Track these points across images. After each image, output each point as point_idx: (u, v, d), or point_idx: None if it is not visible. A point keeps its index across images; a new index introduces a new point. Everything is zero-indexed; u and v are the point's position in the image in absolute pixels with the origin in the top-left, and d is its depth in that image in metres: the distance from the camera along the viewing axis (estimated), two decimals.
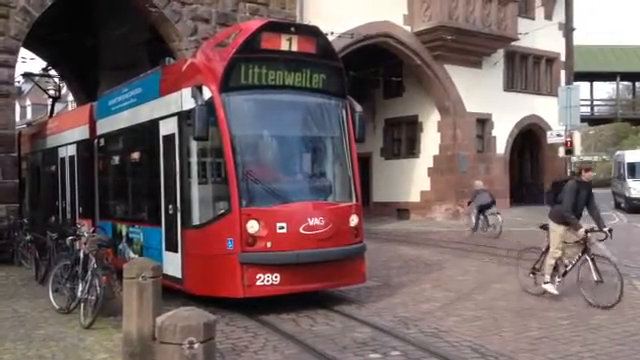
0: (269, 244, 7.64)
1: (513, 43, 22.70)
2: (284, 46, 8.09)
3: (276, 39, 8.06)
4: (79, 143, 12.65)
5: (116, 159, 11.34)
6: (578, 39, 28.29)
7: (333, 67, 8.60)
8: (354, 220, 8.35)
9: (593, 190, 8.81)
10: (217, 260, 7.91)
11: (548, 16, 24.80)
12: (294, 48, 8.15)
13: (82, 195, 12.59)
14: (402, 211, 23.34)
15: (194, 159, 8.53)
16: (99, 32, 21.74)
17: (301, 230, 7.71)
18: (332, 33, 14.67)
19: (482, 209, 16.84)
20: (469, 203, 17.75)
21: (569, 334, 6.72)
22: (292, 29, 8.33)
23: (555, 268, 8.51)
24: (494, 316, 7.62)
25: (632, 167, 25.62)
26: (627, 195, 25.04)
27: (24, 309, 8.10)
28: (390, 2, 20.16)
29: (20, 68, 29.37)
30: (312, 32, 8.52)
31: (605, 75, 38.53)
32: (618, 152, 31.43)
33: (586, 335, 6.67)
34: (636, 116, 41.65)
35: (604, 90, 48.90)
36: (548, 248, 8.65)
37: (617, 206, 26.95)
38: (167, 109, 9.01)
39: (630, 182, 24.98)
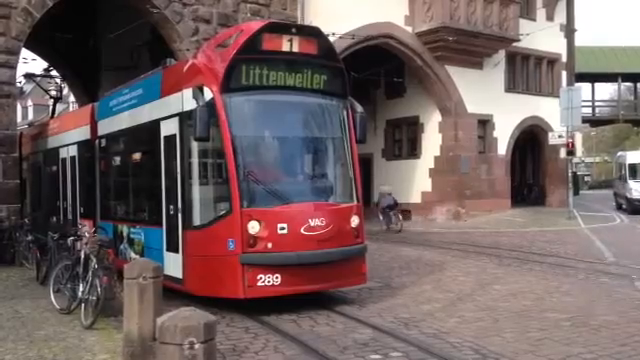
0: (270, 245, 7.64)
1: (514, 44, 22.71)
2: (285, 47, 8.09)
3: (277, 40, 8.06)
4: (80, 144, 12.67)
5: (117, 160, 11.34)
6: (579, 40, 28.35)
7: (334, 68, 8.59)
8: (355, 221, 8.35)
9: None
10: (218, 261, 7.91)
11: (550, 17, 24.81)
12: (295, 49, 8.15)
13: (83, 195, 12.60)
14: (403, 212, 23.32)
15: (195, 160, 8.53)
16: (100, 33, 21.77)
17: (302, 231, 7.70)
18: (333, 34, 14.71)
19: (386, 209, 19.76)
20: (377, 205, 20.32)
21: (570, 335, 6.71)
22: (293, 30, 8.32)
23: None
24: (495, 317, 7.61)
25: (633, 168, 25.63)
26: (628, 196, 25.03)
27: (25, 309, 8.10)
28: (391, 3, 20.18)
29: (22, 69, 29.28)
30: (313, 33, 8.52)
31: (607, 76, 38.52)
32: (619, 153, 31.43)
33: (587, 336, 6.66)
34: (638, 117, 41.60)
35: (606, 91, 49.05)
36: None
37: (619, 207, 26.94)
38: (168, 110, 9.01)
39: (631, 183, 24.98)
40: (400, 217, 19.65)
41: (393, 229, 19.20)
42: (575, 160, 28.15)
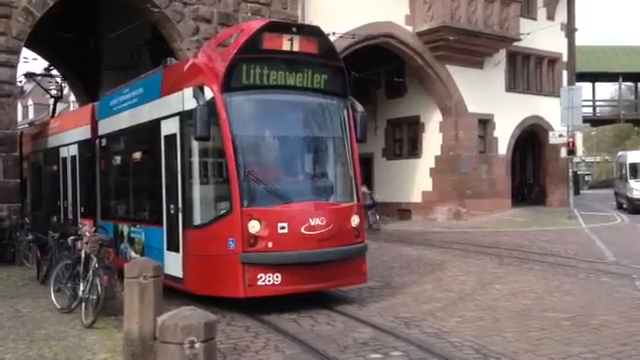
0: (270, 244, 7.64)
1: (515, 43, 22.70)
2: (285, 46, 8.09)
3: (277, 39, 8.06)
4: (81, 143, 12.67)
5: (118, 159, 11.35)
6: (580, 39, 28.30)
7: (335, 67, 8.59)
8: (355, 220, 8.35)
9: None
10: (218, 260, 7.91)
11: (550, 16, 24.79)
12: (296, 48, 8.14)
13: (84, 195, 12.61)
14: (404, 211, 23.34)
15: (195, 159, 8.53)
16: (101, 32, 21.78)
17: (302, 230, 7.70)
18: (334, 33, 14.68)
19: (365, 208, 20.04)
20: None
21: (571, 334, 6.70)
22: (294, 29, 8.32)
23: None
24: (496, 316, 7.60)
25: (634, 168, 25.60)
26: (629, 196, 25.02)
27: (26, 309, 8.10)
28: (392, 2, 20.17)
29: (22, 68, 29.31)
30: (314, 32, 8.51)
31: (607, 76, 38.48)
32: (620, 153, 31.40)
33: (588, 336, 6.65)
34: (638, 117, 41.57)
35: (606, 91, 49.02)
36: None
37: (619, 207, 26.93)
38: (169, 109, 9.01)
39: (632, 183, 24.96)
40: (377, 217, 20.29)
41: (373, 227, 19.56)
42: (576, 160, 28.10)
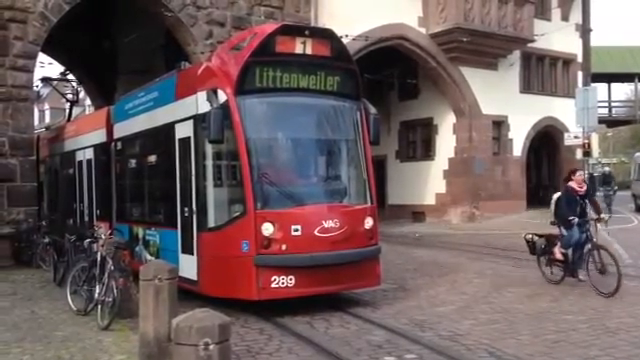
0: (284, 246, 7.66)
1: (529, 44, 22.55)
2: (299, 49, 8.12)
3: (290, 42, 8.09)
4: (96, 146, 12.79)
5: (133, 162, 11.43)
6: (595, 40, 28.04)
7: (348, 70, 8.60)
8: (369, 222, 8.34)
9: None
10: (232, 262, 7.94)
11: (565, 17, 24.60)
12: (308, 51, 8.17)
13: (99, 198, 12.72)
14: (417, 214, 23.26)
15: (209, 162, 8.57)
16: (116, 37, 21.98)
17: (316, 232, 7.71)
18: (347, 36, 14.71)
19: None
20: None
21: (587, 337, 6.64)
22: (306, 32, 8.35)
23: None
24: (510, 319, 7.55)
25: None
26: None
27: (42, 311, 8.19)
28: (405, 4, 20.14)
29: (39, 73, 29.60)
30: (326, 35, 8.54)
31: (623, 76, 38.16)
32: (637, 154, 31.03)
33: (604, 338, 6.59)
34: None
35: (622, 91, 48.42)
36: None
37: (637, 209, 26.59)
38: (183, 112, 9.07)
39: None
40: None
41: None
42: (592, 161, 27.80)
